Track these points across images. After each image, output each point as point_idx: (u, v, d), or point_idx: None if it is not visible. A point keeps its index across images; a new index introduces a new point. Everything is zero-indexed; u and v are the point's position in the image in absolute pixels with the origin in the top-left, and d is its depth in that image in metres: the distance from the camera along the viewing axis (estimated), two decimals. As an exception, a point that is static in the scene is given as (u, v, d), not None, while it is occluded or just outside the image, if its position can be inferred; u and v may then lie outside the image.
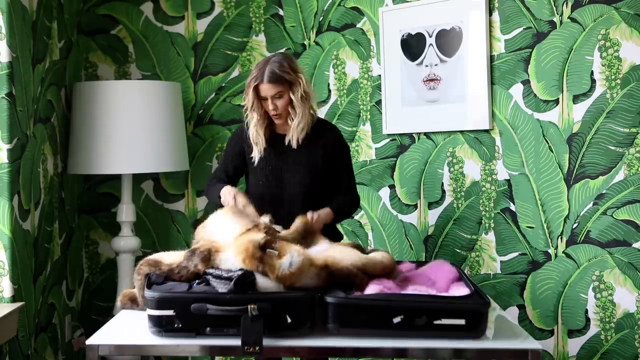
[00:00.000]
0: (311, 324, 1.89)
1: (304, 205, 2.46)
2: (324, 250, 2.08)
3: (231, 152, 2.63)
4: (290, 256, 1.89)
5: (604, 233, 2.63)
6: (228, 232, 2.07)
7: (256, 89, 2.45)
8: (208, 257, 1.98)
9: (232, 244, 1.98)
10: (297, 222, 2.29)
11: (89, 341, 1.89)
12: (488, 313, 1.86)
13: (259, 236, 1.96)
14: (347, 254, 2.05)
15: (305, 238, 2.21)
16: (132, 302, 2.15)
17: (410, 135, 3.08)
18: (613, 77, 2.59)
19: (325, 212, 2.45)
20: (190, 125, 3.37)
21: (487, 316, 1.86)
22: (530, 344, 1.83)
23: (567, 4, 2.68)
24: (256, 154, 2.53)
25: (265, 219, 2.17)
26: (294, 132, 2.49)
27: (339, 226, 3.23)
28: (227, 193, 2.41)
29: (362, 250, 2.24)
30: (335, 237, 2.56)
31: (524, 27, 2.78)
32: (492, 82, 2.86)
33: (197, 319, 1.85)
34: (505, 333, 1.94)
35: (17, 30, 2.59)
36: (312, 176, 2.53)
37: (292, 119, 2.48)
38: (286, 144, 2.52)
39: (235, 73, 3.36)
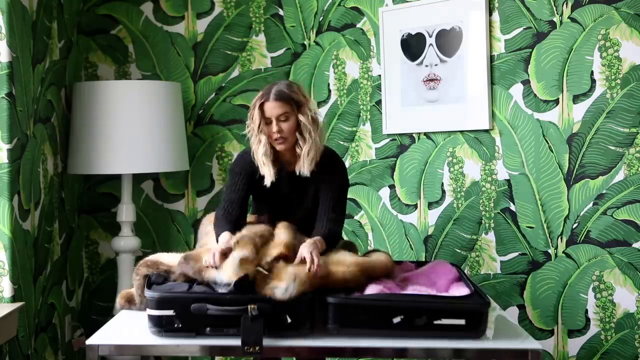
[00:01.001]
0: (311, 324, 1.89)
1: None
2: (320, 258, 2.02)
3: (239, 179, 2.34)
4: (287, 284, 1.86)
5: (604, 233, 2.63)
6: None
7: (261, 109, 2.25)
8: (199, 271, 1.97)
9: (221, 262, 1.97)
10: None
11: (89, 341, 1.89)
12: (488, 313, 1.86)
13: (240, 253, 1.93)
14: (344, 259, 2.02)
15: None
16: (130, 303, 2.15)
17: (410, 135, 3.08)
18: (613, 77, 2.59)
19: (319, 242, 2.16)
20: (190, 125, 3.37)
21: (487, 316, 1.86)
22: (530, 344, 1.84)
23: (567, 4, 2.68)
24: (268, 179, 2.27)
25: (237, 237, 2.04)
26: (305, 160, 2.25)
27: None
28: (215, 250, 2.07)
29: (355, 249, 2.23)
30: None
31: (524, 27, 2.78)
32: (492, 82, 2.86)
33: (197, 319, 1.85)
34: (505, 333, 1.94)
35: (17, 30, 2.59)
36: (308, 207, 2.35)
37: (300, 146, 2.25)
38: (296, 173, 2.30)
39: (235, 73, 3.36)
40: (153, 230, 3.39)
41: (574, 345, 2.70)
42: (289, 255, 2.02)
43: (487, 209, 2.90)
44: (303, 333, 1.88)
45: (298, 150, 2.28)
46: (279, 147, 2.28)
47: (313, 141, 2.26)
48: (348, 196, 3.04)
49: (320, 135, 2.30)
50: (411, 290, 2.00)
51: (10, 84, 2.53)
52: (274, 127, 2.23)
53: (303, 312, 1.87)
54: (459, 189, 2.97)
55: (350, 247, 2.21)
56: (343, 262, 1.98)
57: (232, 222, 2.24)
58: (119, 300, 2.19)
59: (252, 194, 2.40)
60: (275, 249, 2.02)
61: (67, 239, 3.15)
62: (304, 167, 2.26)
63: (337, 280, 1.93)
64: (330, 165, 2.35)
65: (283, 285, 1.85)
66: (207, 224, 2.24)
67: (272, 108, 2.23)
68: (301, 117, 2.24)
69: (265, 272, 1.89)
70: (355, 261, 2.00)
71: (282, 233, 2.15)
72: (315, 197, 2.34)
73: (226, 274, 1.89)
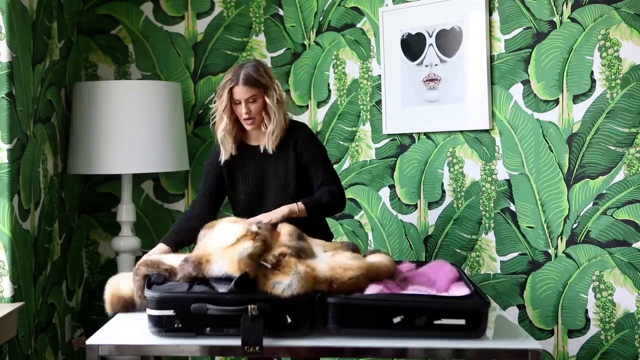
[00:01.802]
0: (311, 324, 1.89)
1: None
2: (324, 261, 2.02)
3: (208, 177, 2.55)
4: (291, 280, 1.85)
5: (604, 233, 2.63)
6: (220, 241, 2.04)
7: (230, 92, 2.40)
8: (199, 265, 1.96)
9: (223, 253, 1.96)
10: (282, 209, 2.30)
11: (89, 341, 1.89)
12: (488, 313, 1.86)
13: (249, 246, 1.93)
14: (349, 264, 2.01)
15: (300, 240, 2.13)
16: (126, 307, 2.13)
17: (410, 135, 3.08)
18: (613, 77, 2.59)
19: (294, 206, 2.36)
20: (190, 125, 3.37)
21: (487, 316, 1.86)
22: (530, 344, 1.83)
23: (567, 4, 2.68)
24: (223, 157, 2.48)
25: (254, 227, 2.08)
26: (269, 139, 2.44)
27: (340, 227, 3.24)
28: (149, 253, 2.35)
29: (358, 250, 2.23)
30: (325, 236, 2.51)
31: (524, 27, 2.78)
32: (492, 82, 2.86)
33: (197, 319, 1.85)
34: (505, 333, 1.94)
35: (17, 30, 2.59)
36: (292, 180, 2.47)
37: (266, 125, 2.43)
38: (261, 152, 2.48)
39: (235, 73, 3.36)
40: (153, 230, 3.39)
41: (574, 345, 2.70)
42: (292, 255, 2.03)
43: (487, 209, 2.90)
44: (303, 333, 1.87)
45: (263, 128, 2.45)
46: (249, 127, 2.45)
47: (277, 120, 2.43)
48: (348, 196, 3.05)
49: (284, 114, 2.47)
50: (411, 290, 2.00)
51: (10, 84, 2.53)
52: (243, 109, 2.40)
53: (303, 312, 1.87)
54: (459, 189, 2.97)
55: (355, 249, 2.21)
56: (350, 267, 1.97)
57: (184, 224, 2.46)
58: (109, 306, 2.16)
59: (226, 190, 2.54)
60: (279, 248, 2.02)
61: (67, 239, 3.15)
62: (268, 144, 2.45)
63: (342, 284, 1.93)
64: (304, 138, 2.50)
65: (286, 281, 1.85)
66: (206, 228, 2.25)
67: (241, 92, 2.39)
68: (267, 99, 2.41)
69: (269, 267, 1.88)
70: (360, 265, 1.99)
71: (285, 234, 2.14)
72: (287, 172, 2.47)
73: (228, 265, 1.89)
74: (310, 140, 2.53)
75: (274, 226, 2.21)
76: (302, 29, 3.32)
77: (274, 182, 2.48)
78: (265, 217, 2.28)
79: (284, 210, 2.33)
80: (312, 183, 2.49)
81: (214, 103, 2.48)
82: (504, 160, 2.84)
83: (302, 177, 2.48)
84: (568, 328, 2.72)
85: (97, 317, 3.30)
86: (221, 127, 2.45)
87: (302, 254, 2.01)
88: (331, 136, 3.28)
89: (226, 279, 1.89)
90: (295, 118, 3.29)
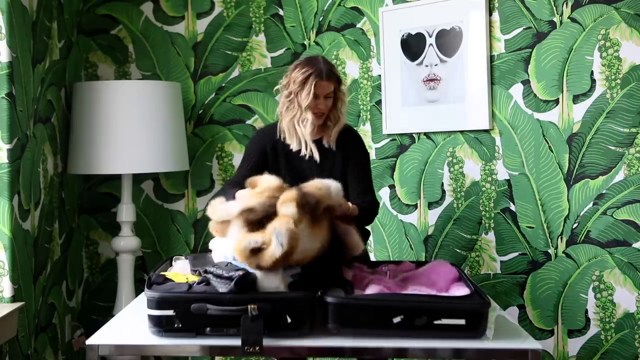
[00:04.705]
0: (311, 324, 1.89)
1: None
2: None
3: (253, 155, 2.52)
4: (276, 237, 1.79)
5: (604, 233, 2.63)
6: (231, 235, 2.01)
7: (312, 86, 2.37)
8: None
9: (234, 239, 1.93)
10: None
11: (89, 341, 1.89)
12: (488, 313, 1.86)
13: (252, 239, 1.87)
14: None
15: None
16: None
17: (410, 135, 3.08)
18: (613, 77, 2.59)
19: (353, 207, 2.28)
20: (190, 125, 3.37)
21: (487, 316, 1.86)
22: (530, 344, 1.83)
23: (567, 4, 2.68)
24: (315, 153, 2.44)
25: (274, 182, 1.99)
26: (333, 135, 2.45)
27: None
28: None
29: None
30: (363, 235, 2.48)
31: (524, 27, 2.78)
32: (492, 82, 2.86)
33: (197, 319, 1.85)
34: (505, 333, 1.94)
35: (17, 30, 2.59)
36: (334, 179, 2.44)
37: (332, 120, 2.44)
38: (321, 146, 2.46)
39: (235, 73, 3.36)
40: (153, 230, 3.39)
41: (574, 345, 2.70)
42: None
43: (487, 209, 2.90)
44: (303, 333, 1.87)
45: (329, 123, 2.46)
46: (316, 122, 2.43)
47: (343, 116, 2.47)
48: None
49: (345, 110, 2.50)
50: (411, 290, 2.00)
51: (10, 84, 2.53)
52: (321, 104, 2.40)
53: (303, 312, 1.87)
54: (459, 189, 2.97)
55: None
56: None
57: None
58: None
59: (268, 169, 2.45)
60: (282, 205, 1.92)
61: (67, 239, 3.15)
62: (333, 139, 2.46)
63: (311, 195, 1.89)
64: (355, 143, 2.53)
65: (274, 243, 1.78)
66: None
67: (324, 86, 2.38)
68: (340, 95, 2.44)
69: (258, 242, 1.83)
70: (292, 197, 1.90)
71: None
72: (335, 169, 2.45)
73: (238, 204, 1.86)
74: (361, 146, 2.55)
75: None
76: (302, 29, 3.32)
77: (315, 177, 2.44)
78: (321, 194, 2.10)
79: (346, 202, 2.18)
80: (350, 187, 2.46)
81: (283, 87, 2.45)
82: (504, 160, 2.84)
83: (343, 179, 2.46)
84: (568, 328, 2.72)
85: (97, 317, 3.31)
86: (309, 123, 2.40)
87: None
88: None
89: (227, 278, 1.89)
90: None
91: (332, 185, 2.04)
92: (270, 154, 2.50)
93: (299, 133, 2.45)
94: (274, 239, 1.81)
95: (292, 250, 1.82)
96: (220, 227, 2.07)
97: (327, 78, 2.37)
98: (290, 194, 1.90)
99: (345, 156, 2.48)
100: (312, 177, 2.32)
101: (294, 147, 2.47)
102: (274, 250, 1.80)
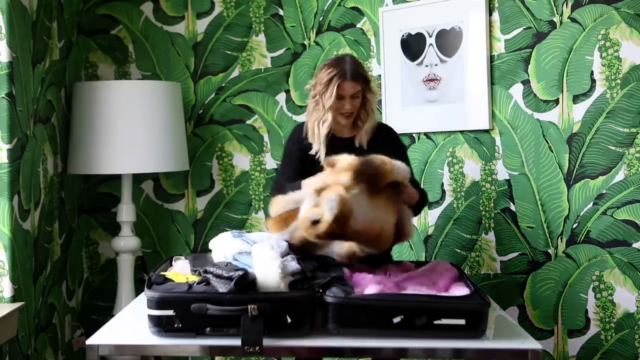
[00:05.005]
0: (311, 324, 1.89)
1: None
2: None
3: (294, 155, 2.52)
4: (326, 204, 1.79)
5: (604, 233, 2.63)
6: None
7: (336, 87, 2.37)
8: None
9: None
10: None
11: (89, 341, 1.89)
12: (488, 313, 1.86)
13: (311, 212, 1.84)
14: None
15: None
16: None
17: (410, 135, 3.08)
18: (613, 77, 2.59)
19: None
20: (190, 125, 3.37)
21: (487, 316, 1.85)
22: (530, 344, 1.83)
23: (567, 4, 2.68)
24: (322, 153, 2.42)
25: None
26: (365, 133, 2.44)
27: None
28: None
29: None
30: None
31: (524, 27, 2.78)
32: (492, 82, 2.86)
33: (197, 319, 1.85)
34: (505, 333, 1.94)
35: (17, 30, 2.59)
36: None
37: (362, 120, 2.43)
38: (345, 144, 2.42)
39: (235, 73, 3.36)
40: (153, 230, 3.39)
41: (574, 345, 2.70)
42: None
43: (487, 209, 2.90)
44: (303, 333, 1.87)
45: (359, 123, 2.45)
46: (344, 122, 2.43)
47: (373, 114, 2.45)
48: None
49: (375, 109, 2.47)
50: (411, 290, 2.00)
51: (10, 84, 2.53)
52: (347, 105, 2.39)
53: (303, 312, 1.87)
54: (459, 189, 2.97)
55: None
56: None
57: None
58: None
59: (305, 170, 2.47)
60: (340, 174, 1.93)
61: (67, 239, 3.15)
62: (364, 139, 2.44)
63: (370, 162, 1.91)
64: (396, 140, 2.54)
65: (327, 210, 1.79)
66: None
67: (349, 87, 2.37)
68: (368, 95, 2.42)
69: (313, 217, 1.82)
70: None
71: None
72: None
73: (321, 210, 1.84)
74: (401, 144, 2.56)
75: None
76: (302, 29, 3.32)
77: None
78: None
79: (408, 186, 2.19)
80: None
81: (311, 87, 2.45)
82: (504, 160, 2.84)
83: None
84: (568, 328, 2.72)
85: (97, 317, 3.31)
86: (326, 125, 2.40)
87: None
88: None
89: (227, 278, 1.89)
90: (294, 118, 3.30)
91: (400, 165, 2.03)
92: (307, 151, 2.49)
93: (316, 134, 2.45)
94: (325, 205, 1.81)
95: (344, 215, 1.79)
96: (281, 221, 2.03)
97: (352, 78, 2.36)
98: (347, 162, 1.89)
99: (387, 153, 2.43)
100: None
101: (314, 147, 2.46)
102: (326, 217, 1.80)
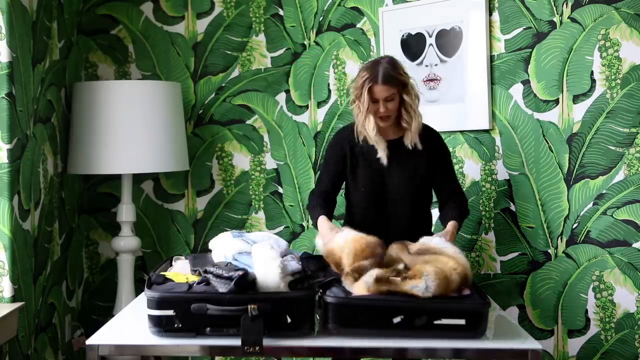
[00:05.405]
0: (311, 324, 1.89)
1: (407, 209, 2.47)
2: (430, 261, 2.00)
3: (333, 156, 2.56)
4: (425, 281, 1.85)
5: (604, 233, 2.63)
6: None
7: (369, 91, 2.37)
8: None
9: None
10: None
11: (89, 341, 1.89)
12: (488, 313, 1.86)
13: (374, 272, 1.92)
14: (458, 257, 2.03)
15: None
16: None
17: (410, 135, 3.08)
18: (613, 77, 2.59)
19: (452, 226, 2.39)
20: (190, 125, 3.37)
21: (487, 316, 1.86)
22: (530, 344, 1.83)
23: (567, 4, 2.68)
24: (383, 156, 2.45)
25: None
26: (412, 135, 2.43)
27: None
28: (325, 234, 2.33)
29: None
30: (428, 228, 2.61)
31: (524, 27, 2.78)
32: (492, 82, 2.86)
33: (197, 319, 1.85)
34: (505, 333, 1.94)
35: (17, 30, 2.59)
36: (416, 180, 2.47)
37: (406, 121, 2.42)
38: (395, 145, 2.47)
39: (235, 73, 3.36)
40: (153, 230, 3.39)
41: (574, 345, 2.70)
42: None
43: (487, 209, 2.90)
44: (303, 333, 1.88)
45: (404, 124, 2.44)
46: (382, 124, 2.43)
47: (417, 115, 2.43)
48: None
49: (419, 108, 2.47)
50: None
51: (10, 84, 2.53)
52: (381, 108, 2.39)
53: (303, 312, 1.87)
54: (459, 189, 2.97)
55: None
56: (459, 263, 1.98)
57: (324, 199, 2.51)
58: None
59: (347, 171, 2.53)
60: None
61: (67, 239, 3.15)
62: (412, 140, 2.44)
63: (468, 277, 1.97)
64: (440, 144, 2.55)
65: (422, 284, 1.85)
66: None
67: (380, 91, 2.37)
68: (406, 97, 2.41)
69: (398, 280, 1.88)
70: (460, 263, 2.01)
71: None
72: (414, 172, 2.47)
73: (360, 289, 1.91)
74: (443, 145, 2.56)
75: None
76: (302, 29, 3.32)
77: (396, 180, 2.47)
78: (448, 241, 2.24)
79: (453, 235, 2.36)
80: (438, 188, 2.54)
81: (353, 88, 2.46)
82: (504, 160, 2.84)
83: (426, 179, 2.50)
84: (568, 328, 2.72)
85: (97, 317, 3.31)
86: (371, 128, 2.42)
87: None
88: (332, 136, 3.28)
89: (227, 278, 1.89)
90: (294, 118, 3.30)
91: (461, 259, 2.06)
92: (349, 155, 2.51)
93: (366, 135, 2.46)
94: (423, 281, 1.86)
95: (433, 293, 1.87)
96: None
97: (384, 82, 2.35)
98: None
99: (430, 157, 2.48)
100: (392, 178, 2.46)
101: (379, 153, 2.46)
102: (418, 288, 1.85)
